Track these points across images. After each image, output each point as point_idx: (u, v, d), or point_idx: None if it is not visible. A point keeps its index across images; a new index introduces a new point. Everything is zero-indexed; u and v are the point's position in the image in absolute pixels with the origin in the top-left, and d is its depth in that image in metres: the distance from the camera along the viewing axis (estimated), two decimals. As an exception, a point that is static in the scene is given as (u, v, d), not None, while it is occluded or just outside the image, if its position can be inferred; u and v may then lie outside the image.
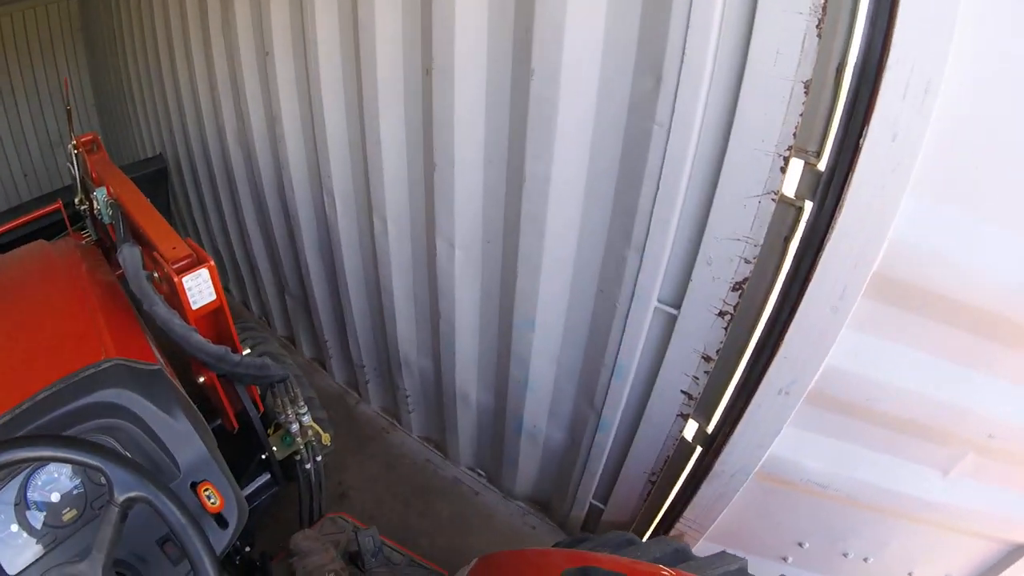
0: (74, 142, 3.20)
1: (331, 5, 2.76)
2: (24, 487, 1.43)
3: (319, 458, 2.36)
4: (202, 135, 4.54)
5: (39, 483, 1.45)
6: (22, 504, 1.43)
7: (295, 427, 2.24)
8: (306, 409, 2.27)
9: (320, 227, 3.54)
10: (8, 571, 1.39)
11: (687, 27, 1.66)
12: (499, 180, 2.38)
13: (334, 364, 4.23)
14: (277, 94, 3.32)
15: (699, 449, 2.40)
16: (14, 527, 1.41)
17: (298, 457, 2.30)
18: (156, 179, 4.78)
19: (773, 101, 1.60)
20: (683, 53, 1.69)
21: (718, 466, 2.23)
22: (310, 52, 2.94)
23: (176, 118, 5.01)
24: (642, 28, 1.79)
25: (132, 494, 1.23)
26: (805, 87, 1.55)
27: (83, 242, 3.25)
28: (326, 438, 2.35)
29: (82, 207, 3.14)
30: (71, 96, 5.80)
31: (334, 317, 3.94)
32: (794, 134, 1.62)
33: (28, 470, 1.44)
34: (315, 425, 2.31)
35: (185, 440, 1.56)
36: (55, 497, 1.46)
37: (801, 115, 1.59)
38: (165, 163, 5.13)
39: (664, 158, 1.87)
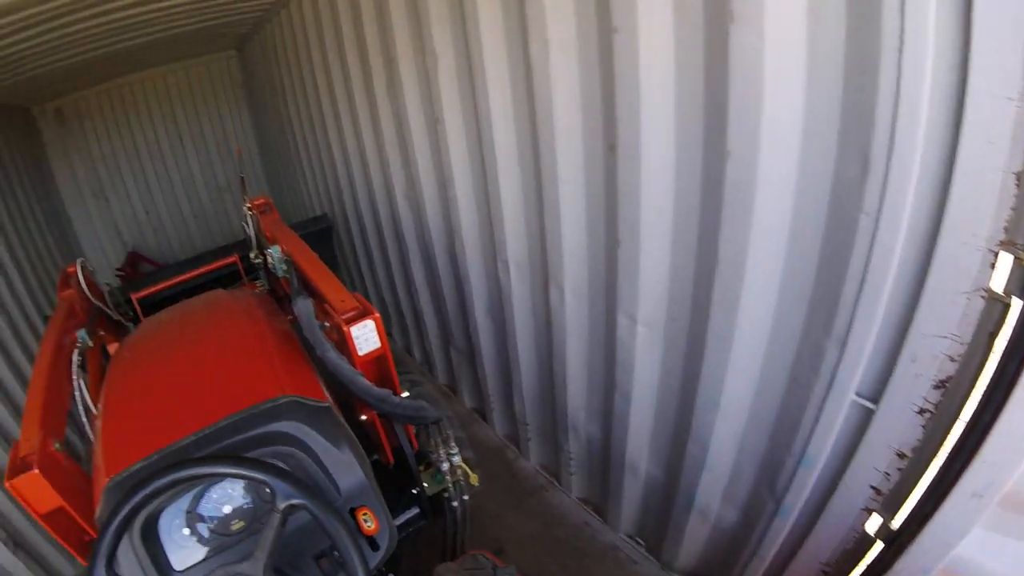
0: (249, 205, 3.56)
1: (503, 77, 2.86)
2: (199, 498, 1.67)
3: (466, 497, 2.45)
4: (370, 193, 4.82)
5: (213, 496, 1.68)
6: (194, 513, 1.66)
7: (445, 466, 2.35)
8: (457, 450, 2.38)
9: (492, 289, 3.63)
10: (176, 567, 1.61)
11: (895, 109, 1.60)
12: (688, 260, 2.35)
13: (495, 417, 4.30)
14: (449, 159, 3.46)
15: (880, 544, 2.25)
16: (185, 531, 1.65)
17: (446, 494, 2.40)
18: (322, 236, 5.28)
19: (984, 193, 1.52)
20: (892, 138, 1.63)
21: (899, 564, 2.08)
22: (483, 121, 3.04)
23: (343, 175, 5.35)
24: (845, 111, 1.74)
25: (292, 501, 1.47)
26: (1016, 179, 1.47)
27: (256, 291, 3.65)
28: (474, 478, 2.47)
29: (256, 261, 3.58)
30: (243, 164, 6.35)
31: (500, 374, 4.01)
32: (1005, 228, 1.53)
33: (205, 483, 1.66)
34: (464, 465, 2.42)
35: (347, 469, 1.77)
36: (226, 509, 1.69)
37: (1012, 208, 1.50)
38: (330, 222, 5.66)
39: (871, 249, 1.79)
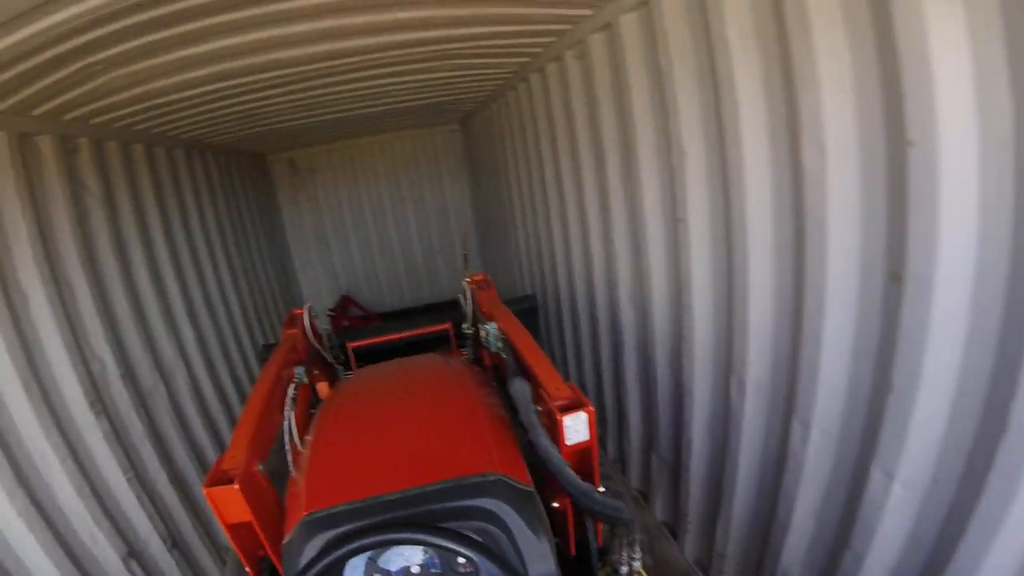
0: (468, 279, 3.81)
1: (764, 182, 2.64)
2: (386, 550, 1.74)
3: None
4: (589, 283, 4.72)
5: (404, 553, 1.75)
6: (376, 563, 1.74)
7: (624, 569, 2.26)
8: (639, 555, 2.25)
9: (718, 408, 3.33)
10: None
11: None
12: (970, 416, 1.97)
13: (688, 540, 3.92)
14: (688, 263, 3.24)
15: None
16: None
17: None
18: (527, 315, 5.11)
19: None
20: None
21: None
22: (735, 227, 2.81)
23: (561, 260, 5.33)
24: None
25: None
26: None
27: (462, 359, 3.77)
28: (651, 588, 2.34)
29: (468, 331, 3.74)
30: (467, 243, 6.60)
31: (706, 498, 3.65)
32: None
33: None
34: (643, 573, 2.32)
35: (542, 558, 1.80)
36: (414, 570, 1.75)
37: None
38: (536, 303, 5.82)
39: None
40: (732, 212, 2.81)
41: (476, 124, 8.02)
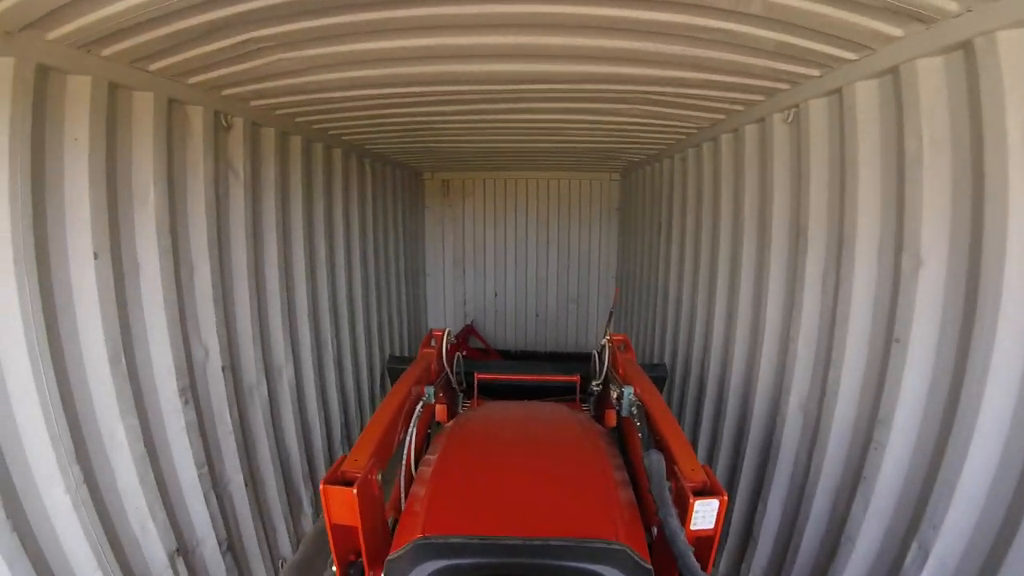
0: (609, 338, 3.72)
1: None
2: None
3: None
4: (747, 380, 4.20)
5: None
6: None
7: None
8: None
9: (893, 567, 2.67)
10: None
11: None
12: None
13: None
14: (896, 390, 2.64)
15: None
16: None
17: None
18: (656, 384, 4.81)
19: None
20: None
21: None
22: (976, 362, 2.21)
23: (711, 344, 4.81)
24: None
25: None
26: None
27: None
28: None
29: (596, 388, 3.70)
30: (617, 303, 6.32)
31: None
32: None
33: None
34: None
35: None
36: None
37: None
38: (666, 375, 5.35)
39: None
40: (974, 341, 2.23)
41: (639, 177, 7.58)
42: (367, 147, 6.16)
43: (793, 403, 3.60)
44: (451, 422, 3.18)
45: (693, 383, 5.20)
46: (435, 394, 3.17)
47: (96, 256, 2.71)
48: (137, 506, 2.96)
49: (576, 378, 4.23)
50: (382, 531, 2.19)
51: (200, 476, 3.42)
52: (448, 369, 3.79)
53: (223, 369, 3.74)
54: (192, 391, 3.44)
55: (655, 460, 2.12)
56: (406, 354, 7.47)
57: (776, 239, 3.81)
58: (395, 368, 5.01)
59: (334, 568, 2.10)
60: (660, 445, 2.34)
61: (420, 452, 2.70)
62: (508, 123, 4.87)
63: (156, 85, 3.02)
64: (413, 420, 2.69)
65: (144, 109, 3.01)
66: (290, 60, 3.11)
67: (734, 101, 3.91)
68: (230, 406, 3.81)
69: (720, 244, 4.67)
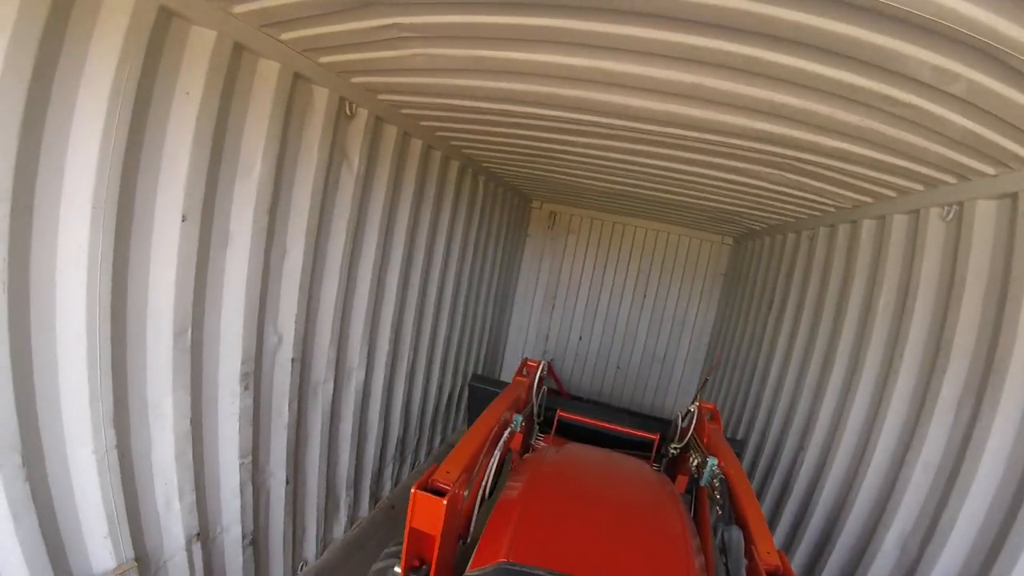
0: (697, 404, 3.68)
1: None
2: None
3: None
4: (851, 479, 3.76)
5: None
6: None
7: None
8: None
9: None
10: None
11: None
12: None
13: None
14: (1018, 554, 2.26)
15: None
16: None
17: None
18: None
19: None
20: None
21: None
22: None
23: (812, 455, 4.36)
24: None
25: None
26: None
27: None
28: None
29: (673, 451, 3.69)
30: (716, 369, 6.24)
31: None
32: None
33: None
34: None
35: None
36: None
37: None
38: (742, 451, 5.37)
39: None
40: None
41: (756, 246, 7.15)
42: (484, 164, 5.99)
43: (891, 537, 3.18)
44: (537, 453, 3.34)
45: (778, 477, 4.76)
46: (521, 421, 3.32)
47: (184, 219, 2.56)
48: (166, 482, 2.79)
49: (656, 436, 4.25)
50: (453, 544, 2.26)
51: (241, 465, 3.24)
52: (534, 401, 3.92)
53: (292, 361, 3.57)
54: (255, 377, 3.26)
55: (736, 536, 2.20)
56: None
57: (911, 348, 3.38)
58: (477, 387, 5.30)
59: (397, 569, 2.16)
60: (739, 521, 2.37)
61: (496, 475, 2.83)
62: (635, 165, 4.56)
63: (285, 56, 2.88)
64: (500, 445, 2.83)
65: (267, 78, 2.88)
66: (430, 57, 2.94)
67: (888, 185, 3.52)
68: (291, 400, 3.63)
69: (840, 339, 4.22)
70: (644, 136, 3.65)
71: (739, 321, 7.10)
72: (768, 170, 3.82)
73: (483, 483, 2.63)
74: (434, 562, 2.09)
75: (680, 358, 9.00)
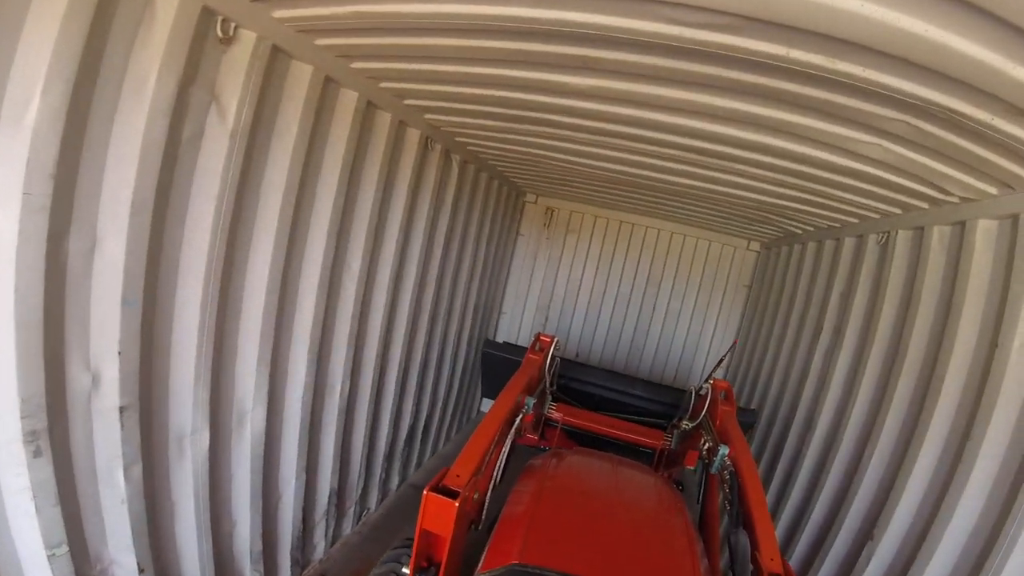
0: (711, 381, 3.88)
1: None
2: None
3: None
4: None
5: None
6: None
7: None
8: None
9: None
10: None
11: None
12: None
13: None
14: None
15: None
16: None
17: None
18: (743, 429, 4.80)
19: None
20: None
21: None
22: None
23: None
24: None
25: None
26: None
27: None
28: None
29: (685, 427, 3.94)
30: (731, 355, 5.88)
31: None
32: None
33: None
34: None
35: None
36: None
37: None
38: (755, 421, 5.51)
39: None
40: None
41: (782, 253, 6.33)
42: (483, 158, 5.09)
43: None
44: (546, 456, 3.33)
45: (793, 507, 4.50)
46: (532, 403, 3.38)
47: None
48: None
49: (659, 444, 4.34)
50: (460, 544, 2.24)
51: (52, 558, 2.25)
52: (547, 379, 4.02)
53: (121, 410, 2.50)
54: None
55: (743, 542, 2.29)
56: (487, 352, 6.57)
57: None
58: (491, 353, 5.56)
59: (405, 570, 2.22)
60: (746, 522, 2.42)
61: (507, 458, 2.87)
62: (619, 145, 3.93)
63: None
64: (511, 434, 2.88)
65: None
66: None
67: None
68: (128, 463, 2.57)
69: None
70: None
71: (767, 339, 6.16)
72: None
73: (496, 469, 2.67)
74: (443, 563, 2.12)
75: (695, 380, 7.66)
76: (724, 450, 2.91)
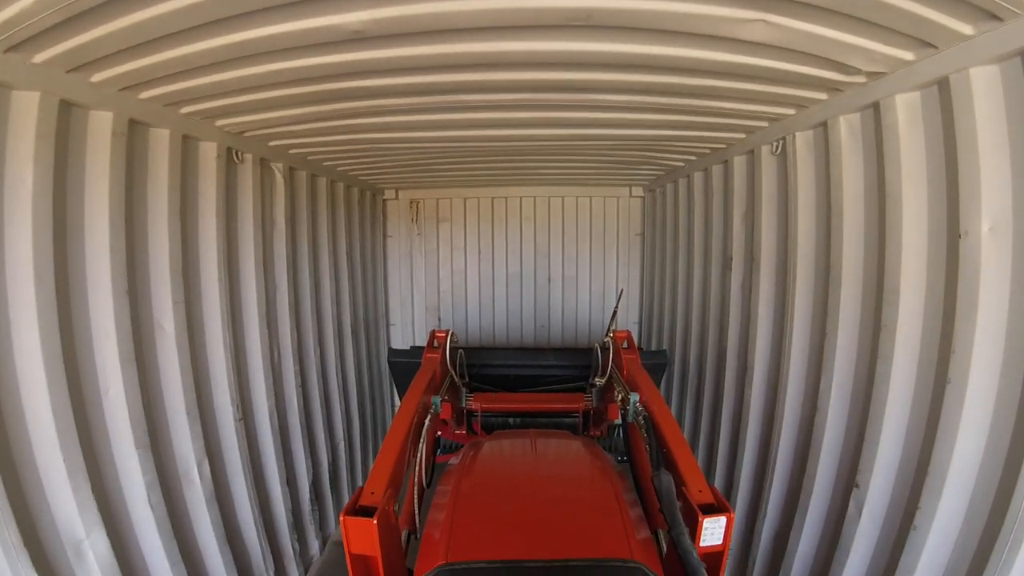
0: (612, 335, 3.96)
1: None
2: None
3: None
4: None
5: None
6: None
7: None
8: None
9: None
10: None
11: None
12: None
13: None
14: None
15: None
16: None
17: None
18: (656, 371, 4.88)
19: None
20: None
21: None
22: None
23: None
24: None
25: None
26: None
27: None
28: None
29: (598, 383, 4.06)
30: (621, 301, 5.40)
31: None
32: None
33: None
34: None
35: None
36: None
37: None
38: (667, 360, 5.54)
39: None
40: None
41: (670, 190, 6.08)
42: (290, 150, 4.38)
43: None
44: (464, 450, 3.26)
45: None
46: (443, 400, 3.42)
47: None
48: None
49: (581, 406, 4.36)
50: (398, 558, 2.22)
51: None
52: (452, 371, 4.05)
53: None
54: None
55: (665, 481, 2.25)
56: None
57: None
58: (397, 362, 5.20)
59: None
60: (668, 461, 2.44)
61: (431, 459, 2.98)
62: (497, 106, 3.52)
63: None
64: (423, 435, 2.86)
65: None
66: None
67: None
68: None
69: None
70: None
71: (673, 283, 6.00)
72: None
73: (420, 474, 2.70)
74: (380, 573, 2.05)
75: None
76: (635, 397, 2.99)
